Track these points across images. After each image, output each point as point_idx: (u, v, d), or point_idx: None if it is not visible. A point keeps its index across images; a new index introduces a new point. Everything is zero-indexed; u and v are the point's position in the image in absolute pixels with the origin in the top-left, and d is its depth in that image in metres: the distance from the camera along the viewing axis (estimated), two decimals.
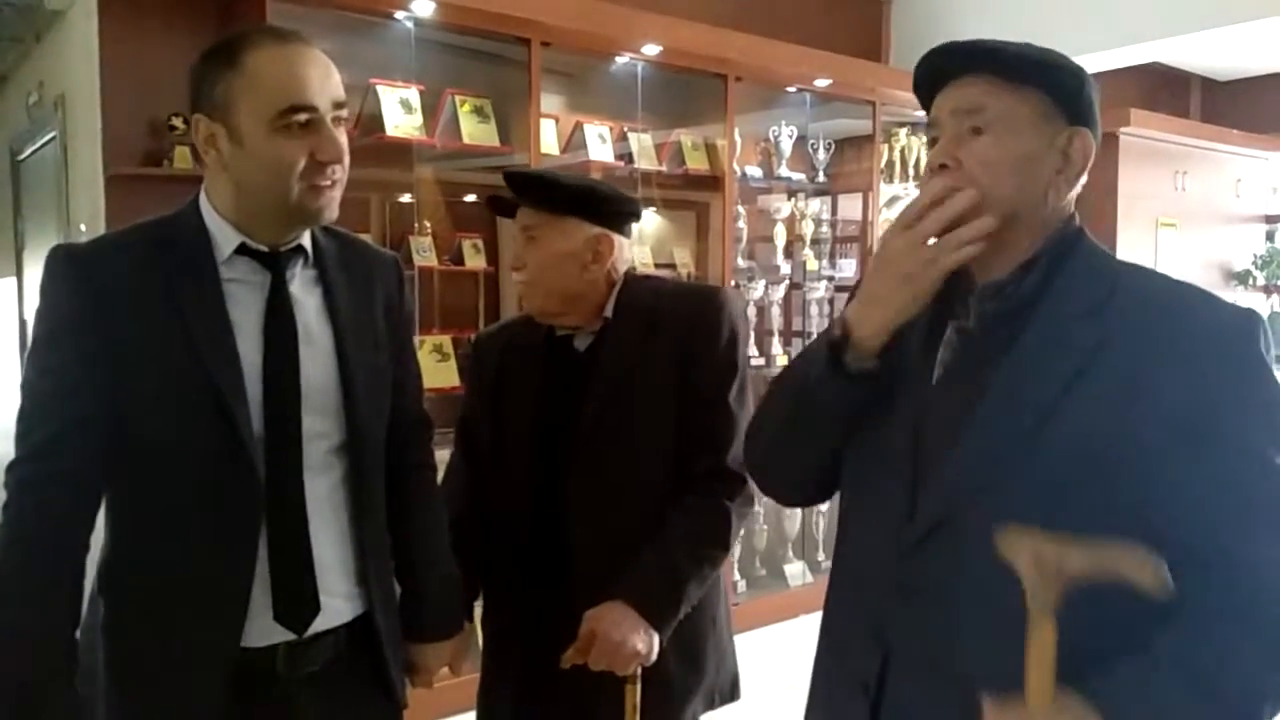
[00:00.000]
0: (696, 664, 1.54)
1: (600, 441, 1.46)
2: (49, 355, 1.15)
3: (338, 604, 1.24)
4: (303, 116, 1.14)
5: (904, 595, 1.00)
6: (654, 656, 1.39)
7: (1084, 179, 1.02)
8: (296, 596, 1.20)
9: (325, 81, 1.17)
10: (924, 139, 4.56)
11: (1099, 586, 0.81)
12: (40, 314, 1.17)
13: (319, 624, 1.22)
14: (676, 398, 1.48)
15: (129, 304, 1.15)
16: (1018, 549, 0.82)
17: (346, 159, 1.21)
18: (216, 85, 1.15)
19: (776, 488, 1.23)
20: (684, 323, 1.50)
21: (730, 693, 1.61)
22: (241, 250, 1.20)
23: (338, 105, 1.18)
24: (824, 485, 1.17)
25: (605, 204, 1.50)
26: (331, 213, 1.21)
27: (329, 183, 1.18)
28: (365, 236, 1.47)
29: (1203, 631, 0.85)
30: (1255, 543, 0.87)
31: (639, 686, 1.39)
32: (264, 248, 1.21)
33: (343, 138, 1.20)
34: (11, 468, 1.13)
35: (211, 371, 1.14)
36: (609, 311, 1.51)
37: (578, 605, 1.40)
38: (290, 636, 1.20)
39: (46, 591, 1.11)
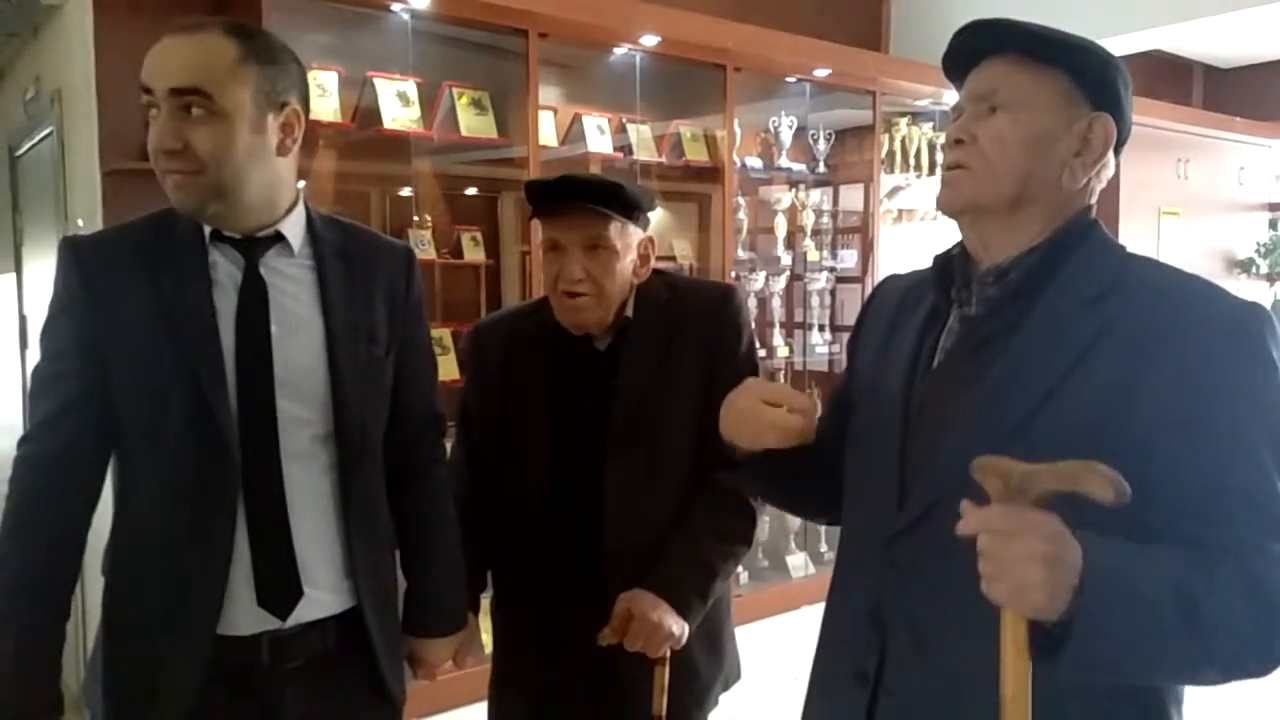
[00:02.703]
0: (719, 653, 1.57)
1: (634, 437, 1.47)
2: (49, 340, 1.21)
3: (323, 595, 1.24)
4: (146, 100, 1.14)
5: (899, 582, 1.00)
6: (684, 640, 1.42)
7: (1109, 170, 1.01)
8: (277, 580, 1.20)
9: (167, 65, 1.13)
10: (923, 129, 4.55)
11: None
12: (50, 301, 1.23)
13: (303, 614, 1.22)
14: (701, 395, 1.48)
15: (120, 291, 1.18)
16: (986, 471, 0.81)
17: (210, 150, 1.13)
18: None
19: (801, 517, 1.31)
20: (706, 323, 1.52)
21: (737, 674, 1.66)
22: (219, 238, 1.22)
23: (176, 92, 1.12)
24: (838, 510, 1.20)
25: (650, 207, 1.51)
26: (183, 199, 1.16)
27: (168, 169, 1.14)
28: None
29: (1203, 564, 0.83)
30: (1244, 530, 0.86)
31: (668, 668, 1.41)
32: (236, 235, 1.22)
33: (212, 128, 1.13)
34: (19, 445, 1.19)
35: (190, 356, 1.16)
36: (629, 311, 1.51)
37: (609, 594, 1.42)
38: (273, 625, 1.21)
39: (41, 565, 1.16)
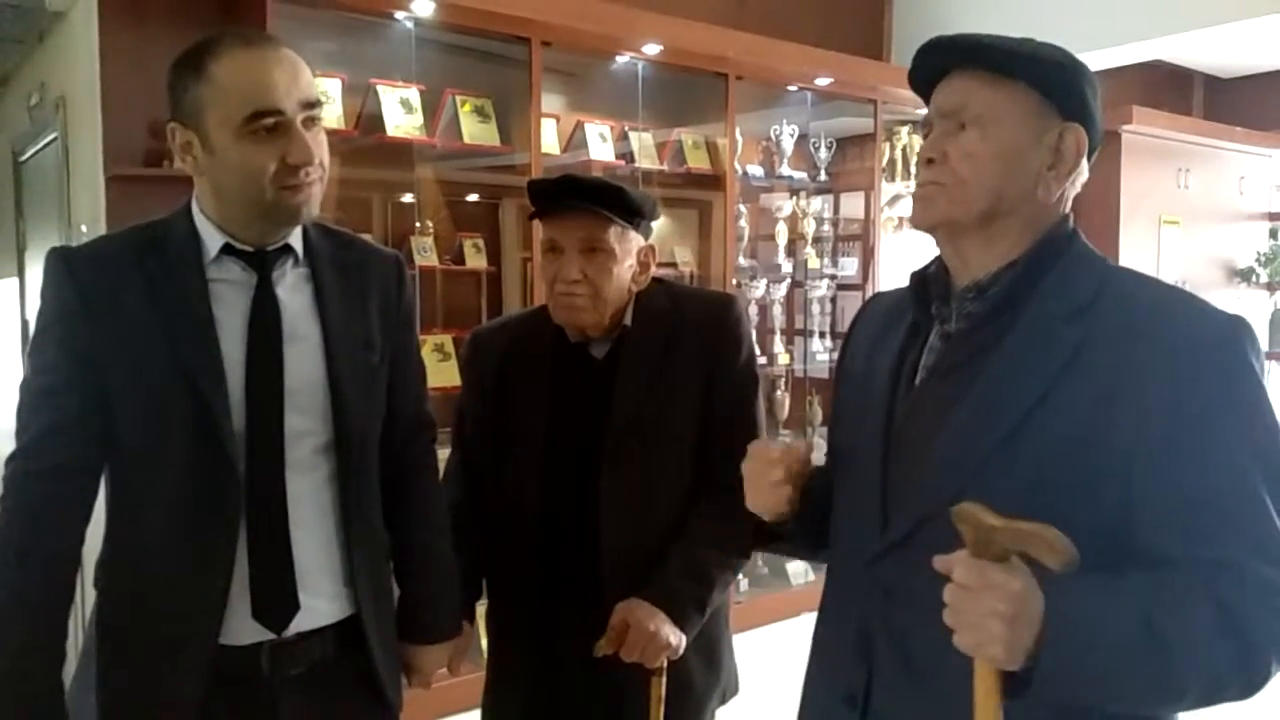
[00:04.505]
0: (715, 665, 1.56)
1: (632, 446, 1.46)
2: (41, 354, 1.19)
3: (322, 604, 1.24)
4: (269, 121, 1.13)
5: (885, 604, 0.99)
6: (681, 650, 1.41)
7: (1083, 176, 1.01)
8: (274, 594, 1.20)
9: (292, 84, 1.15)
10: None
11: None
12: (38, 314, 1.21)
13: (302, 624, 1.22)
14: (699, 405, 1.48)
15: (114, 304, 1.17)
16: (963, 519, 0.84)
17: (324, 156, 1.20)
18: (186, 94, 1.16)
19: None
20: (705, 333, 1.51)
21: (735, 687, 1.64)
22: (228, 251, 1.21)
23: (307, 105, 1.16)
24: None
25: (652, 215, 1.50)
26: (311, 210, 1.20)
27: (303, 183, 1.17)
28: (366, 236, 1.46)
29: (1175, 598, 0.84)
30: (1223, 550, 0.86)
31: (664, 679, 1.41)
32: (249, 248, 1.22)
33: (319, 136, 1.19)
34: (8, 462, 1.16)
35: (191, 370, 1.15)
36: (628, 319, 1.50)
37: (606, 604, 1.41)
38: (272, 636, 1.20)
39: (36, 583, 1.14)
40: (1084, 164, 1.00)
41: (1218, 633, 0.83)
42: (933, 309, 1.04)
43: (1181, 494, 0.87)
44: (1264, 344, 5.38)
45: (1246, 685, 0.85)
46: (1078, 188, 1.01)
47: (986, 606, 0.81)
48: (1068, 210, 1.02)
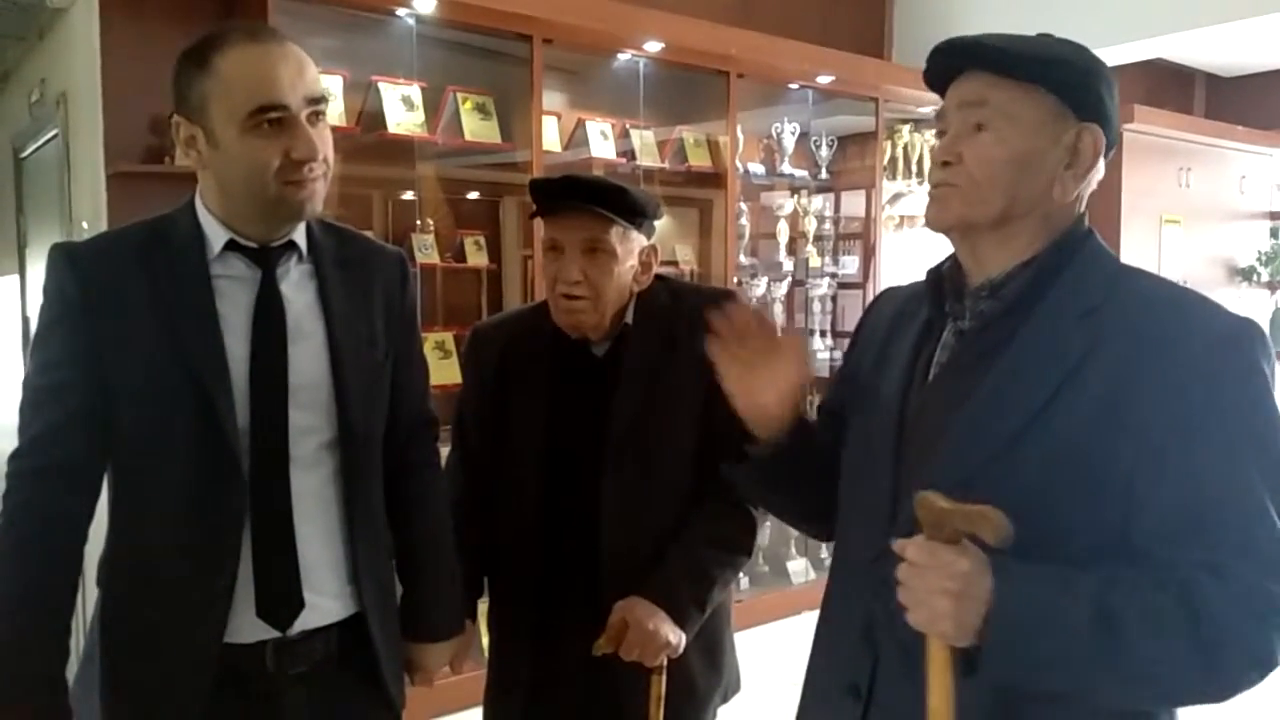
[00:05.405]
0: (717, 664, 1.56)
1: (633, 445, 1.46)
2: (44, 351, 1.18)
3: (326, 603, 1.24)
4: (274, 115, 1.13)
5: (890, 596, 1.00)
6: (681, 649, 1.41)
7: (1098, 175, 1.01)
8: (279, 593, 1.20)
9: (297, 79, 1.14)
10: (926, 136, 4.56)
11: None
12: (40, 310, 1.20)
13: (307, 622, 1.22)
14: (702, 403, 1.47)
15: (118, 300, 1.16)
16: (919, 505, 0.86)
17: (329, 152, 1.19)
18: (191, 88, 1.15)
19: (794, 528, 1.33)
20: (704, 328, 1.50)
21: (736, 686, 1.64)
22: (232, 247, 1.21)
23: (312, 101, 1.16)
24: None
25: (655, 215, 1.49)
26: (314, 207, 1.19)
27: (306, 179, 1.16)
28: (367, 233, 1.46)
29: (1136, 592, 0.84)
30: (1210, 552, 0.86)
31: (664, 678, 1.40)
32: (253, 244, 1.21)
33: (324, 132, 1.18)
34: (11, 459, 1.16)
35: (195, 366, 1.15)
36: (629, 317, 1.50)
37: (606, 603, 1.41)
38: (276, 634, 1.20)
39: (39, 580, 1.14)
40: (1100, 163, 1.00)
41: (1182, 631, 0.83)
42: (946, 306, 1.05)
43: (1180, 495, 0.87)
44: None
45: (1215, 687, 0.85)
46: (1093, 185, 1.01)
47: (935, 584, 0.84)
48: (1083, 209, 1.02)
